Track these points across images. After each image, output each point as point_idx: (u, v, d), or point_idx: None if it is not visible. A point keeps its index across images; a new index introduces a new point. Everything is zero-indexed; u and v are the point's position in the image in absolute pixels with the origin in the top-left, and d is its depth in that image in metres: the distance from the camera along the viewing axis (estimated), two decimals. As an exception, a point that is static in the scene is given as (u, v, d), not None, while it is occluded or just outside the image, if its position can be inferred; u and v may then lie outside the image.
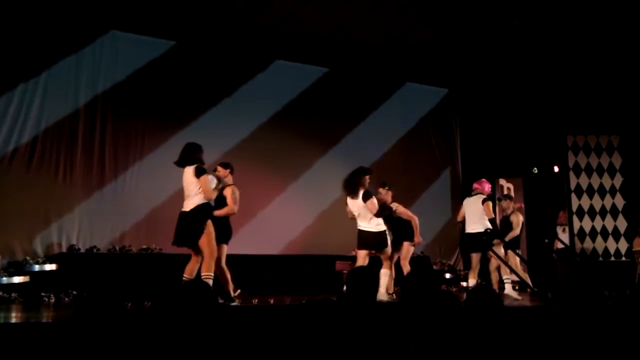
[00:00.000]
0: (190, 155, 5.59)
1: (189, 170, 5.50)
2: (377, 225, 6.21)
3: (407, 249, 6.94)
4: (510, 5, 7.19)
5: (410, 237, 6.94)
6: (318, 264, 8.01)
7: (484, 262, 7.30)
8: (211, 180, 5.67)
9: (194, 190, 5.42)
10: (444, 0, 7.16)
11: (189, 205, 5.43)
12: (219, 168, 6.17)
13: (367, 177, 6.27)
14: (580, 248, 8.97)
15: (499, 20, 7.62)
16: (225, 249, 5.92)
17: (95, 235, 7.24)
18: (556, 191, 9.35)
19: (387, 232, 6.29)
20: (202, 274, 5.28)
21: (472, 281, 7.06)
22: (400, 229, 6.95)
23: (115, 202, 7.43)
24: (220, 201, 5.93)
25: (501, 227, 7.85)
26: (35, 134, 7.06)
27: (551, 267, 8.77)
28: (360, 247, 6.30)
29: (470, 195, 7.29)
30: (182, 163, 5.60)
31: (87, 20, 7.45)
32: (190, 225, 5.38)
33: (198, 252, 5.40)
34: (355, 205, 6.25)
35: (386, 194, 6.90)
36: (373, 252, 6.34)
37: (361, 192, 6.14)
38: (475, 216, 6.98)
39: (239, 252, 6.39)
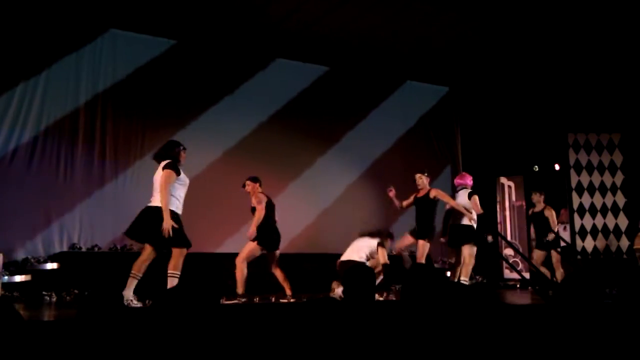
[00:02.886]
0: (168, 152, 5.41)
1: (160, 165, 5.33)
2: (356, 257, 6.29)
3: (423, 247, 6.87)
4: (511, 3, 7.19)
5: (427, 235, 6.90)
6: (319, 262, 8.01)
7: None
8: (182, 180, 5.34)
9: (157, 185, 5.25)
10: (444, -2, 7.17)
11: (154, 201, 5.26)
12: (248, 182, 6.34)
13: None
14: (582, 246, 8.97)
15: (499, 18, 7.61)
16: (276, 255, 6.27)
17: (97, 234, 7.24)
18: (557, 189, 9.35)
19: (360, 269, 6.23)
20: (169, 272, 5.17)
21: (463, 279, 7.07)
22: (421, 225, 6.93)
23: (116, 200, 7.43)
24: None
25: (534, 223, 7.96)
26: (35, 132, 7.06)
27: (552, 265, 8.78)
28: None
29: (455, 191, 7.34)
30: (158, 157, 5.44)
31: (87, 18, 7.45)
32: (155, 224, 5.15)
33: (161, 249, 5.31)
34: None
35: (426, 180, 7.07)
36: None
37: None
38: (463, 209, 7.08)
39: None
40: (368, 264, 6.17)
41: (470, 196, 7.02)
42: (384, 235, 6.47)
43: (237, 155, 8.21)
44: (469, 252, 7.01)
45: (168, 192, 5.18)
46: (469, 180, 7.25)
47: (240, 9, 7.45)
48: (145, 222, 5.23)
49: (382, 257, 6.28)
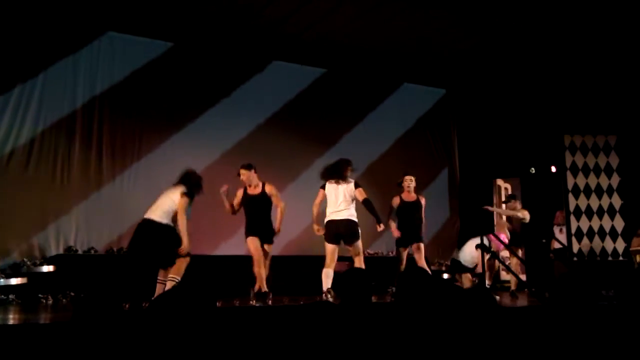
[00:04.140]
0: (190, 181, 5.63)
1: (177, 189, 5.53)
2: (349, 215, 6.14)
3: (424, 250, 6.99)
4: (507, 5, 7.21)
5: (420, 237, 6.98)
6: (316, 264, 8.00)
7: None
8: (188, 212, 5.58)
9: (169, 205, 5.45)
10: (440, 1, 7.18)
11: (157, 215, 5.43)
12: (242, 171, 6.18)
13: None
14: (578, 248, 8.98)
15: (496, 21, 7.64)
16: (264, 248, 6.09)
17: (93, 237, 7.23)
18: (553, 191, 9.36)
19: (358, 225, 6.20)
20: (170, 276, 5.33)
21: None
22: (417, 228, 6.97)
23: (113, 203, 7.42)
24: (261, 203, 6.06)
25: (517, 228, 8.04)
26: (32, 135, 7.06)
27: (548, 267, 8.79)
28: (330, 241, 6.17)
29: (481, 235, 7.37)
30: (180, 182, 5.63)
31: (84, 21, 7.45)
32: (162, 243, 5.39)
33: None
34: (334, 192, 6.20)
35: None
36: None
37: (351, 181, 6.13)
38: (466, 256, 7.35)
39: (238, 252, 6.40)
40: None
41: (476, 247, 7.12)
42: (348, 165, 6.25)
43: (235, 158, 8.17)
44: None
45: (184, 217, 5.42)
46: (503, 240, 7.33)
47: (237, 11, 7.46)
48: (149, 243, 5.39)
49: (360, 195, 6.12)
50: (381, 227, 6.18)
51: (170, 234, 5.41)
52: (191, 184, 5.63)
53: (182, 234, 5.38)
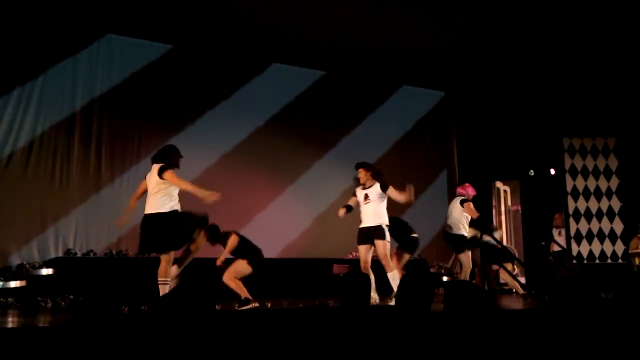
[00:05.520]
0: (166, 156, 5.45)
1: (154, 169, 5.37)
2: (372, 220, 6.27)
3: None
4: (506, 8, 7.22)
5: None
6: (315, 267, 8.01)
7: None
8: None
9: (156, 190, 5.31)
10: (440, 3, 7.19)
11: (151, 207, 5.31)
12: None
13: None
14: (577, 250, 8.99)
15: (495, 24, 7.65)
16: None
17: (92, 240, 7.22)
18: (552, 194, 9.36)
19: (380, 228, 6.24)
20: (159, 279, 5.20)
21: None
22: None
23: (112, 206, 7.39)
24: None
25: None
26: (31, 137, 7.05)
27: (547, 269, 8.78)
28: (359, 242, 6.38)
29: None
30: (155, 159, 5.47)
31: (83, 23, 7.46)
32: (160, 231, 5.26)
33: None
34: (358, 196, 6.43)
35: None
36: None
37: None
38: (455, 218, 7.13)
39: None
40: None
41: (462, 203, 7.08)
42: (368, 168, 6.47)
43: (234, 160, 8.21)
44: (465, 258, 7.10)
45: (181, 184, 5.30)
46: (470, 192, 7.29)
47: (236, 14, 7.46)
48: (149, 233, 5.29)
49: (398, 196, 6.25)
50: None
51: (161, 220, 5.27)
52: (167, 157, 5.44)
53: (195, 192, 5.24)
